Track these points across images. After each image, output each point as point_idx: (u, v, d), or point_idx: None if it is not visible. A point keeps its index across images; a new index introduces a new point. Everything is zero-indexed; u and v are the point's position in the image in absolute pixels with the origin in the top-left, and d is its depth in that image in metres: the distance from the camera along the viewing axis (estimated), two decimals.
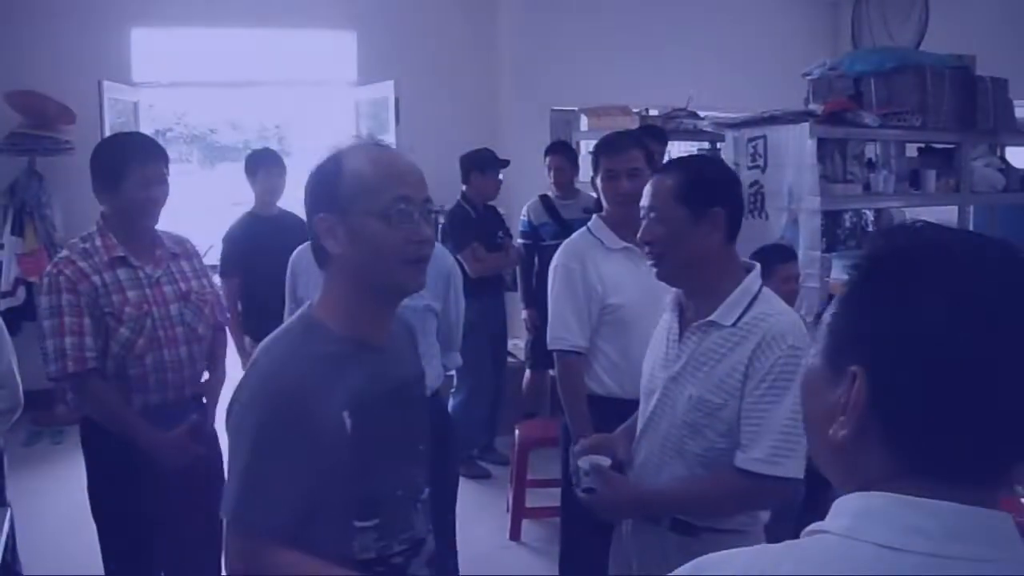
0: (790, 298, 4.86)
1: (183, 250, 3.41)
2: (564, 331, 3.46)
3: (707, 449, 2.31)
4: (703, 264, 2.36)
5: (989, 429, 0.95)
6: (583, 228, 3.68)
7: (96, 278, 3.08)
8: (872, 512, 0.98)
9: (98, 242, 3.16)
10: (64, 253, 3.18)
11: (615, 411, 3.27)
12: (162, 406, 3.20)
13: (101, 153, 3.22)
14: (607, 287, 3.48)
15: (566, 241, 3.67)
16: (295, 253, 3.32)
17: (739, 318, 2.29)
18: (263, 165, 5.48)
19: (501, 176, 6.25)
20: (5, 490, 3.63)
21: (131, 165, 3.11)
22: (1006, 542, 0.94)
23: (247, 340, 5.39)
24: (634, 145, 3.64)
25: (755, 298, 2.33)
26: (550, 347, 3.49)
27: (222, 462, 3.45)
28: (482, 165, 6.11)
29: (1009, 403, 0.94)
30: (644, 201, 2.45)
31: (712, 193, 2.37)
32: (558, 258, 3.58)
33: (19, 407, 3.43)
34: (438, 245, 3.47)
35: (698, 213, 2.33)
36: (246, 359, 5.43)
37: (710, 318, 2.31)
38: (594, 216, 3.70)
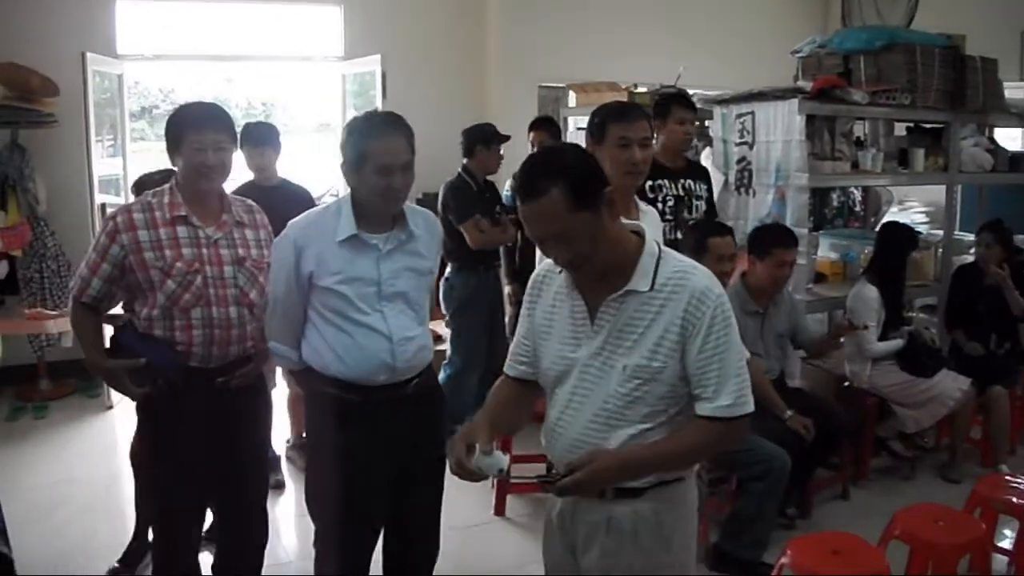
0: (779, 282, 4.84)
1: (251, 220, 3.49)
2: None
3: (647, 415, 2.31)
4: (609, 245, 2.30)
5: None
6: None
7: (144, 232, 3.23)
8: None
9: (166, 199, 3.29)
10: (131, 202, 3.37)
11: None
12: (207, 359, 3.31)
13: (168, 120, 3.33)
14: None
15: None
16: (296, 225, 3.20)
17: (653, 281, 2.29)
18: (244, 143, 5.43)
19: (502, 151, 6.22)
20: None
21: (187, 131, 3.23)
22: None
23: None
24: (644, 115, 3.56)
25: (659, 259, 2.33)
26: None
27: (269, 412, 3.77)
28: (487, 139, 6.08)
29: None
30: (536, 230, 2.27)
31: (594, 180, 2.27)
32: None
33: None
34: (428, 212, 3.44)
35: (594, 207, 2.23)
36: None
37: (627, 287, 2.29)
38: None
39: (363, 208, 3.11)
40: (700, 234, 4.46)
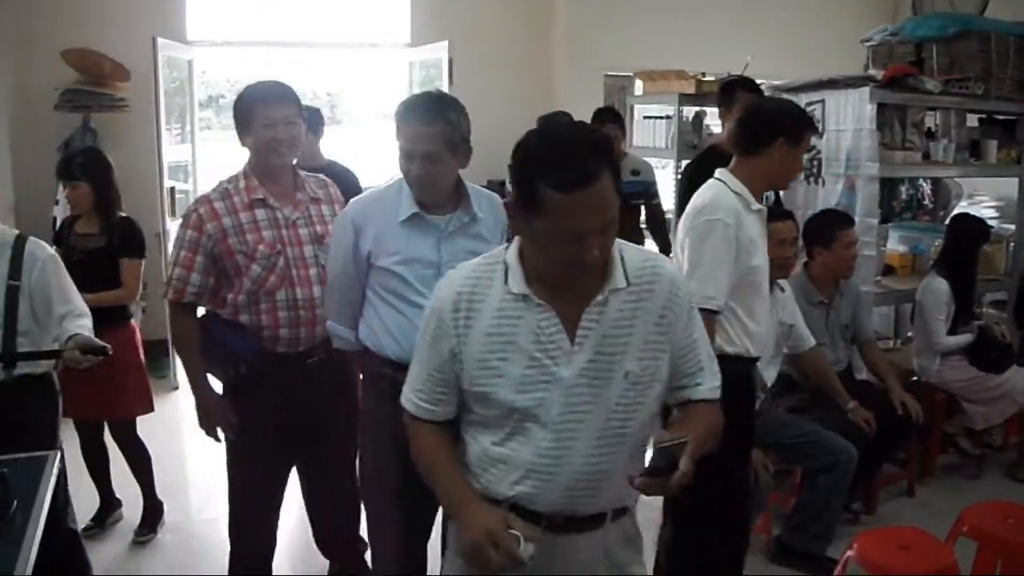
0: (851, 264, 4.77)
1: (325, 195, 3.53)
2: (717, 291, 3.33)
3: (645, 422, 2.14)
4: None
5: None
6: (716, 182, 3.50)
7: (228, 219, 3.28)
8: None
9: (241, 183, 3.35)
10: (207, 192, 3.39)
11: (744, 369, 3.52)
12: (295, 342, 3.36)
13: (236, 100, 3.36)
14: (752, 248, 3.41)
15: (714, 194, 3.44)
16: (356, 204, 3.17)
17: (625, 275, 2.09)
18: None
19: None
20: (58, 432, 3.66)
21: (256, 108, 3.26)
22: None
23: None
24: None
25: (620, 249, 2.12)
26: (700, 305, 3.33)
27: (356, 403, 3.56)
28: None
29: None
30: (595, 219, 1.93)
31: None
32: (715, 212, 3.36)
33: None
34: (494, 195, 3.38)
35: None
36: None
37: (611, 286, 2.06)
38: (724, 171, 3.52)
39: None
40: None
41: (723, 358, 3.31)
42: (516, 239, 2.10)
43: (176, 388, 7.04)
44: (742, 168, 3.48)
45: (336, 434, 3.55)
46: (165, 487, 4.86)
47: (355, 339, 3.23)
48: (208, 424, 3.45)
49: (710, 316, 3.28)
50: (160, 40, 6.91)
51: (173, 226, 7.10)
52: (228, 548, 3.60)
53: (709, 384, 2.22)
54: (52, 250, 3.54)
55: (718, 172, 3.54)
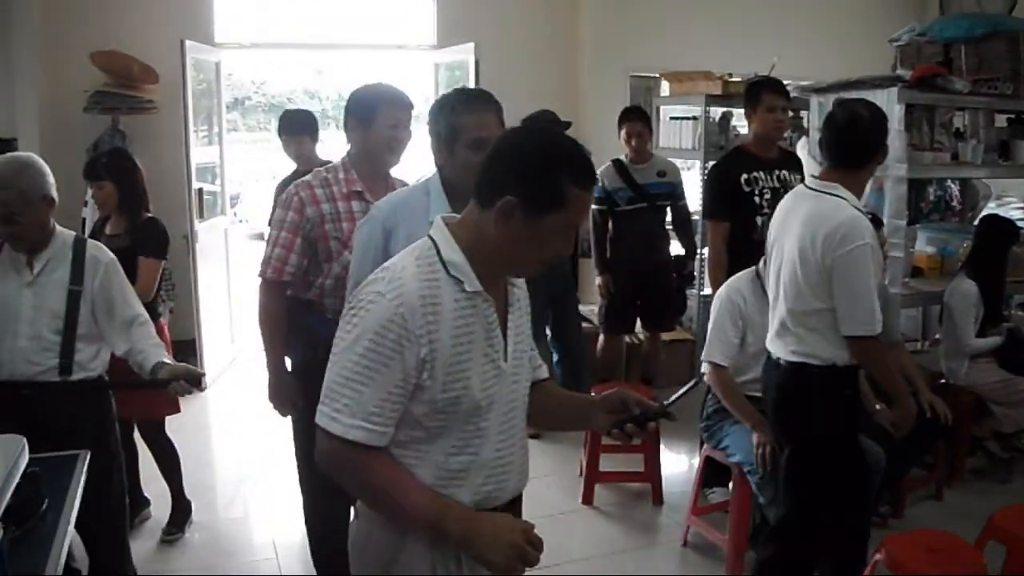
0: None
1: None
2: (879, 314, 3.35)
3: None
4: None
5: None
6: (840, 200, 3.42)
7: (327, 205, 3.47)
8: None
9: (341, 175, 3.53)
10: (308, 178, 3.57)
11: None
12: None
13: (356, 97, 3.52)
14: None
15: (851, 217, 3.36)
16: (382, 207, 3.14)
17: None
18: (283, 131, 5.60)
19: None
20: (113, 434, 3.63)
21: (382, 107, 3.44)
22: None
23: None
24: None
25: None
26: (872, 332, 3.34)
27: None
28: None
29: None
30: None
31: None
32: (863, 237, 3.32)
33: None
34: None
35: None
36: None
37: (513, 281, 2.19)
38: (834, 186, 3.46)
39: (453, 187, 3.00)
40: None
41: (845, 368, 3.47)
42: (443, 234, 2.08)
43: (203, 389, 7.08)
44: (845, 179, 3.46)
45: None
46: (193, 487, 4.89)
47: None
48: (276, 400, 3.64)
49: (872, 341, 3.35)
50: (188, 42, 6.95)
51: (201, 227, 7.15)
52: (254, 547, 3.62)
53: (544, 365, 2.36)
54: (111, 253, 3.54)
55: (823, 185, 3.52)
